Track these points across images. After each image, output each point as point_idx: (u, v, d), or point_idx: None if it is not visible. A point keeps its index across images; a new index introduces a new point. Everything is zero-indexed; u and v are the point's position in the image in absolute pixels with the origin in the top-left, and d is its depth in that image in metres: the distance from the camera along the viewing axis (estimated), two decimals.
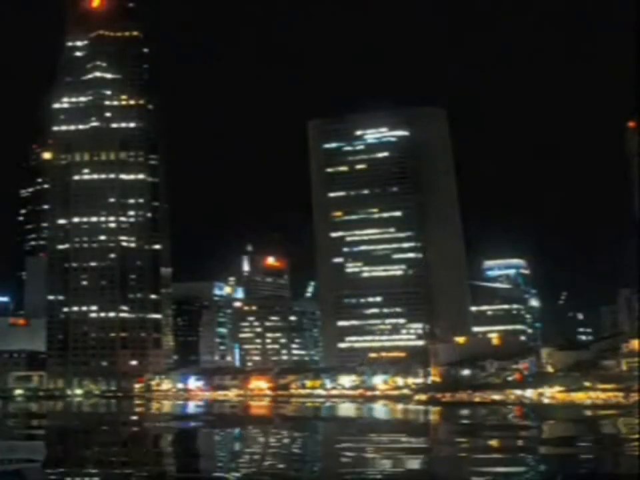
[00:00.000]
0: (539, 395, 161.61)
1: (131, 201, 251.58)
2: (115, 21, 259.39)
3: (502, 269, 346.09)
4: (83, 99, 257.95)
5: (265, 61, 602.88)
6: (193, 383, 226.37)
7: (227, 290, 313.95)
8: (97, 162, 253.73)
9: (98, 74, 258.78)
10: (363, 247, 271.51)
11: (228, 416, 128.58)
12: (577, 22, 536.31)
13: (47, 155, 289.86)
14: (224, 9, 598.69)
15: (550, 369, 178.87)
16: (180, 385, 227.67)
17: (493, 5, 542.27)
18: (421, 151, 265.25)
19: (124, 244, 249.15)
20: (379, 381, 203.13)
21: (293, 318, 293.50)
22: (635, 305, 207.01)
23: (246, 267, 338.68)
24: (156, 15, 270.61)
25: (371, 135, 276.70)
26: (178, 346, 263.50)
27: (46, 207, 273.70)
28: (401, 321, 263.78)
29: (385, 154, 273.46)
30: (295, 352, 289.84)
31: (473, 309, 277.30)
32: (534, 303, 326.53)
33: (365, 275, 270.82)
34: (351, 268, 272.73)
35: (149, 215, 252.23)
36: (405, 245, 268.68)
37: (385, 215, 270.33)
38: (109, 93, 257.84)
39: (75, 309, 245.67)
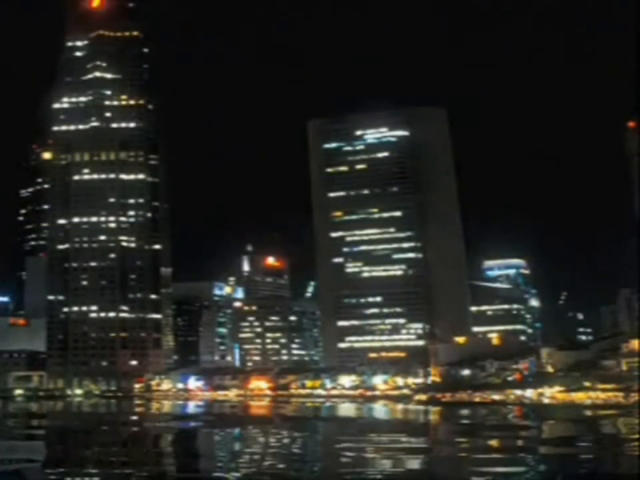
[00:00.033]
0: (539, 395, 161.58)
1: (131, 200, 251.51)
2: (115, 21, 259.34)
3: (502, 269, 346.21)
4: (83, 98, 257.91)
5: (265, 61, 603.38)
6: (193, 383, 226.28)
7: (227, 290, 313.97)
8: (97, 162, 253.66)
9: (98, 74, 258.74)
10: (363, 247, 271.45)
11: (228, 416, 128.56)
12: (577, 22, 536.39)
13: (46, 155, 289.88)
14: (224, 9, 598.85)
15: (550, 369, 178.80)
16: (180, 385, 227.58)
17: (492, 5, 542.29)
18: (421, 150, 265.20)
19: (124, 244, 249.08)
20: (379, 380, 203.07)
21: (293, 318, 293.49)
22: (635, 304, 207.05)
23: (246, 267, 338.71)
24: (156, 15, 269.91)
25: (371, 135, 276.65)
26: (178, 346, 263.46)
27: (46, 207, 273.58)
28: (401, 321, 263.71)
29: (385, 154, 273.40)
30: (295, 352, 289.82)
31: (473, 308, 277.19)
32: (534, 302, 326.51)
33: (365, 274, 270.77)
34: (351, 268, 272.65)
35: (149, 215, 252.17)
36: (405, 244, 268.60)
37: (385, 214, 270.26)
38: (109, 93, 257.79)
39: (75, 309, 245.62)
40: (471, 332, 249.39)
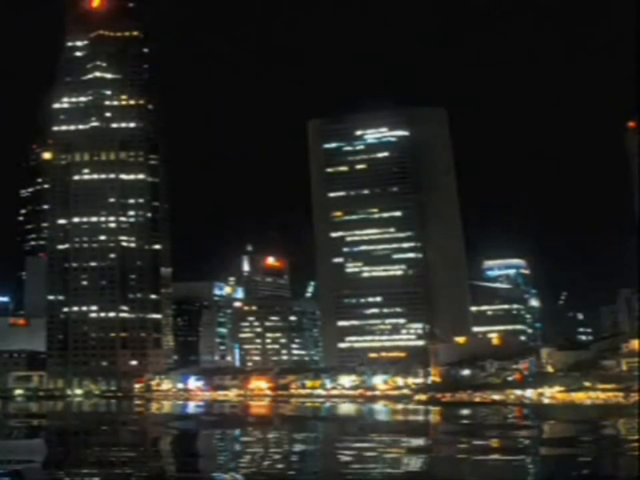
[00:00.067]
0: (539, 395, 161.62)
1: (131, 201, 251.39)
2: (115, 21, 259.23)
3: (502, 269, 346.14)
4: (83, 98, 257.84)
5: (264, 61, 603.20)
6: (193, 383, 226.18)
7: (227, 290, 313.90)
8: (97, 162, 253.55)
9: (98, 74, 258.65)
10: (363, 247, 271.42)
11: (228, 416, 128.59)
12: (577, 22, 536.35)
13: (46, 155, 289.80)
14: (224, 9, 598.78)
15: (550, 369, 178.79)
16: (180, 385, 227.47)
17: (492, 5, 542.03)
18: (420, 151, 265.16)
19: (124, 244, 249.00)
20: (379, 380, 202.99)
21: (293, 318, 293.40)
22: (635, 304, 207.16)
23: (246, 267, 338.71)
24: (156, 15, 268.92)
25: (371, 135, 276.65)
26: (178, 346, 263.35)
27: (46, 207, 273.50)
28: (401, 321, 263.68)
29: (385, 154, 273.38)
30: (295, 352, 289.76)
31: (473, 308, 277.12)
32: (534, 302, 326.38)
33: (365, 274, 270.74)
34: (351, 268, 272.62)
35: (149, 215, 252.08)
36: (405, 244, 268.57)
37: (385, 214, 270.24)
38: (109, 93, 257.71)
39: (75, 309, 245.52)
40: (471, 332, 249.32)
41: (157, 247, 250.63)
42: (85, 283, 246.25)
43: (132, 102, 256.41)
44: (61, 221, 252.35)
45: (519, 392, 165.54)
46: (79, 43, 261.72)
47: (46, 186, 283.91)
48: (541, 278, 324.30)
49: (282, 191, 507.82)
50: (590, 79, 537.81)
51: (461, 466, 49.89)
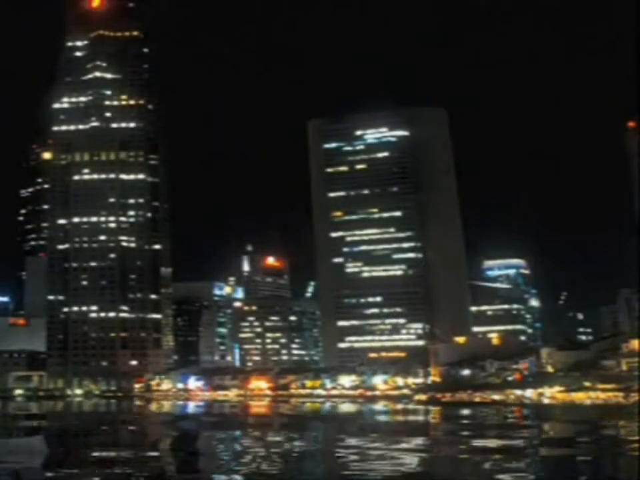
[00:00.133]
0: (539, 395, 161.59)
1: (131, 201, 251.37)
2: (115, 21, 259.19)
3: (502, 269, 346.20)
4: (83, 98, 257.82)
5: (264, 61, 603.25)
6: (193, 383, 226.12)
7: (227, 290, 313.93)
8: (97, 162, 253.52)
9: (98, 74, 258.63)
10: (363, 247, 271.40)
11: (228, 416, 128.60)
12: (577, 22, 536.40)
13: (47, 155, 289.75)
14: (224, 9, 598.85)
15: (550, 369, 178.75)
16: (180, 385, 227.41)
17: (492, 5, 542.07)
18: (420, 151, 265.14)
19: (124, 244, 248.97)
20: (379, 381, 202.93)
21: (293, 318, 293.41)
22: (635, 304, 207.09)
23: (246, 267, 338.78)
24: (156, 14, 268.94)
25: (371, 135, 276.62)
26: (178, 346, 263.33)
27: (46, 207, 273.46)
28: (401, 321, 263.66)
29: (385, 154, 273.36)
30: (295, 352, 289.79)
31: (473, 308, 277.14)
32: (534, 303, 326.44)
33: (365, 274, 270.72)
34: (351, 268, 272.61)
35: (149, 215, 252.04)
36: (405, 244, 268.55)
37: (385, 214, 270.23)
38: (109, 93, 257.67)
39: (75, 309, 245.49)
40: (471, 332, 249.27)
41: (157, 246, 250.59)
42: (85, 282, 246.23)
43: (132, 102, 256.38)
44: (61, 221, 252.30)
45: (519, 392, 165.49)
46: (78, 43, 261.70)
47: (46, 186, 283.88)
48: (540, 278, 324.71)
49: (282, 191, 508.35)
50: (590, 78, 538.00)
51: (461, 466, 49.90)
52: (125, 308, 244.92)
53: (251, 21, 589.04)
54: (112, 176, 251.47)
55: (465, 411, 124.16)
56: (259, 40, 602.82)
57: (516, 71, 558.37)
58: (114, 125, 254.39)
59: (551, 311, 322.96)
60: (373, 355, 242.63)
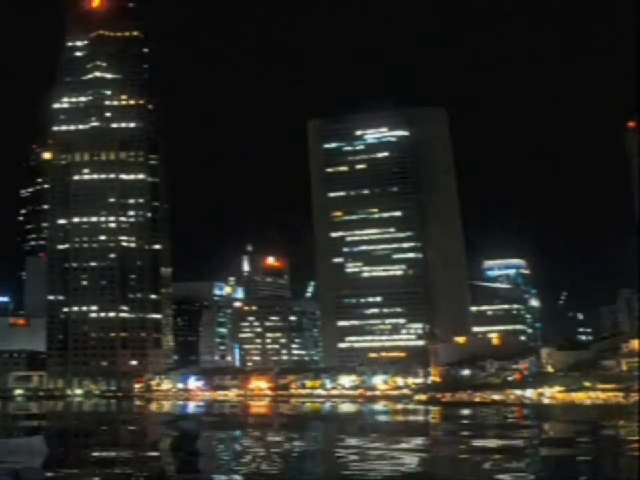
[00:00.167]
0: (539, 395, 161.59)
1: (131, 201, 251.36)
2: (115, 21, 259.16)
3: (502, 269, 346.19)
4: (83, 98, 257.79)
5: (264, 61, 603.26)
6: (193, 383, 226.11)
7: (227, 290, 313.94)
8: (97, 162, 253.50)
9: (98, 74, 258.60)
10: (363, 247, 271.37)
11: (228, 416, 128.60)
12: (577, 22, 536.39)
13: (46, 155, 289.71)
14: (224, 9, 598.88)
15: (550, 369, 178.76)
16: (180, 385, 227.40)
17: (492, 5, 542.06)
18: (420, 151, 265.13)
19: (124, 244, 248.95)
20: (379, 381, 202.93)
21: (293, 318, 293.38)
22: (635, 304, 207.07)
23: (246, 267, 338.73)
24: (156, 15, 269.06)
25: (371, 135, 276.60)
26: (178, 346, 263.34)
27: (46, 207, 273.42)
28: (401, 320, 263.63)
29: (385, 154, 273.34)
30: (295, 352, 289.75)
31: (473, 308, 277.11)
32: (534, 302, 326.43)
33: (365, 274, 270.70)
34: (351, 268, 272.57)
35: (149, 215, 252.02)
36: (405, 244, 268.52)
37: (385, 214, 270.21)
38: (109, 93, 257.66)
39: (75, 309, 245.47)
40: (471, 332, 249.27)
41: (157, 246, 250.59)
42: (85, 282, 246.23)
43: (132, 102, 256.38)
44: (61, 221, 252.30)
45: (519, 392, 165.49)
46: (79, 43, 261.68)
47: (46, 186, 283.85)
48: (541, 278, 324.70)
49: (282, 191, 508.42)
50: (590, 78, 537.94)
51: (461, 466, 49.90)
52: (124, 308, 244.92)
53: (251, 21, 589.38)
54: (112, 176, 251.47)
55: (465, 411, 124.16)
56: (259, 40, 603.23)
57: (516, 71, 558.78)
58: (114, 125, 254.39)
59: (551, 310, 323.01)
60: (373, 355, 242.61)
